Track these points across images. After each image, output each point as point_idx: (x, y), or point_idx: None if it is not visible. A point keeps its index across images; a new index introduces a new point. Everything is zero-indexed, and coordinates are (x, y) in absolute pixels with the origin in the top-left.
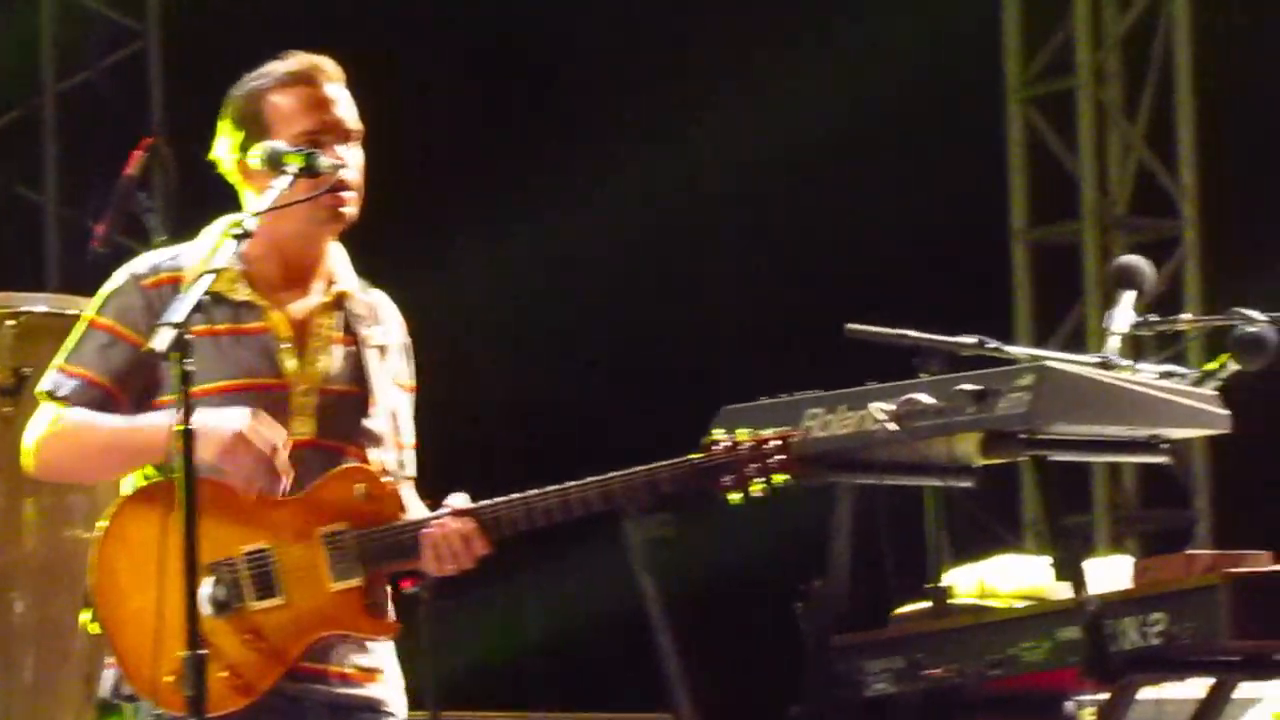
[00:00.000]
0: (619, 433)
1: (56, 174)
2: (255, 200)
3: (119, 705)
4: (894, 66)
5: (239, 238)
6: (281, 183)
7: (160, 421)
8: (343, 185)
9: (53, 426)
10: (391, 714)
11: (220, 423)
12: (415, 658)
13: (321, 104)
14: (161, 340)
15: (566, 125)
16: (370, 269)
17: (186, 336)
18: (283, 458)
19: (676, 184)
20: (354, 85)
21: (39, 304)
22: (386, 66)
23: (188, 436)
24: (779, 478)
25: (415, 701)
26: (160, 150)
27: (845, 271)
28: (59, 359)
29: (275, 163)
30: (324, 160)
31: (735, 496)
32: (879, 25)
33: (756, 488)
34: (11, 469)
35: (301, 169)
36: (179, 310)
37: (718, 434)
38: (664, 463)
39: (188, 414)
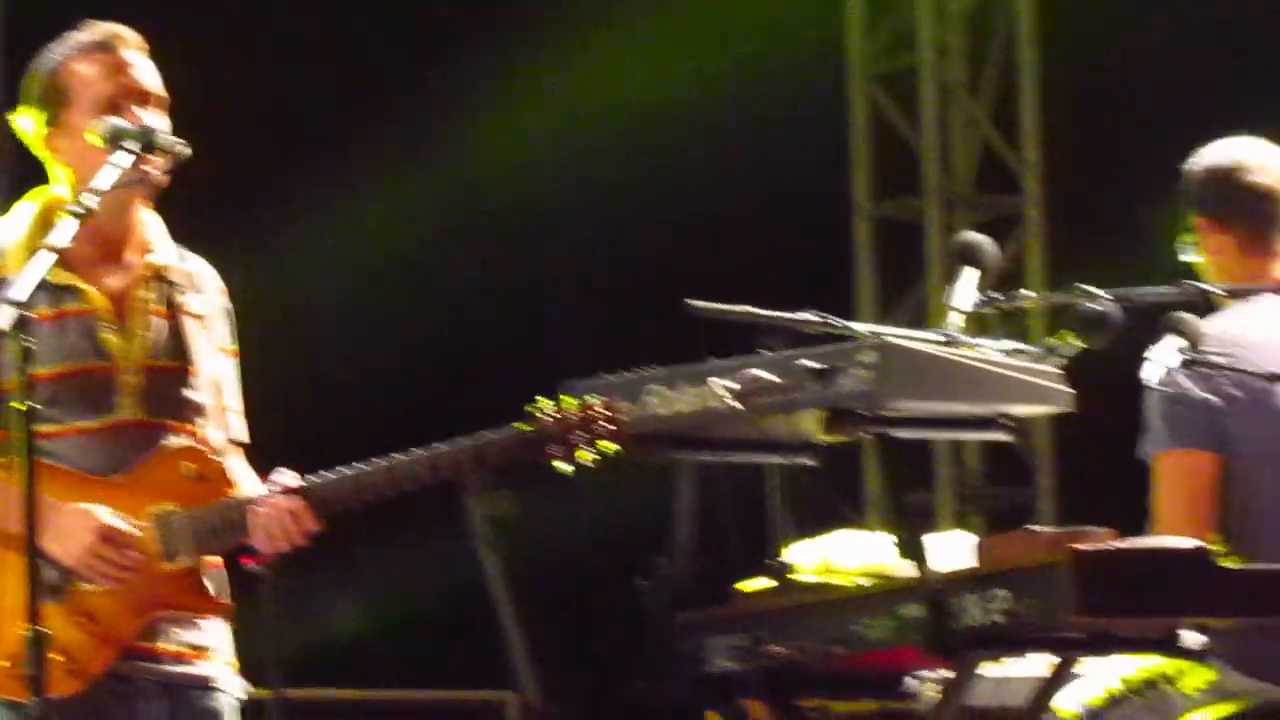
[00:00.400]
0: (460, 407)
1: None
2: (97, 177)
3: None
4: (737, 41)
5: (79, 216)
6: (122, 160)
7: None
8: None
9: None
10: (224, 691)
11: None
12: (258, 636)
13: (120, 69)
14: (3, 318)
15: (398, 93)
16: (206, 237)
17: (27, 315)
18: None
19: (516, 155)
20: (186, 54)
21: None
22: (218, 34)
23: (29, 416)
24: (607, 447)
25: (258, 679)
26: None
27: (688, 247)
28: None
29: (116, 140)
30: (163, 138)
31: (565, 467)
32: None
33: (585, 457)
34: None
35: (143, 147)
36: (20, 288)
37: (545, 404)
38: (490, 433)
39: (28, 393)
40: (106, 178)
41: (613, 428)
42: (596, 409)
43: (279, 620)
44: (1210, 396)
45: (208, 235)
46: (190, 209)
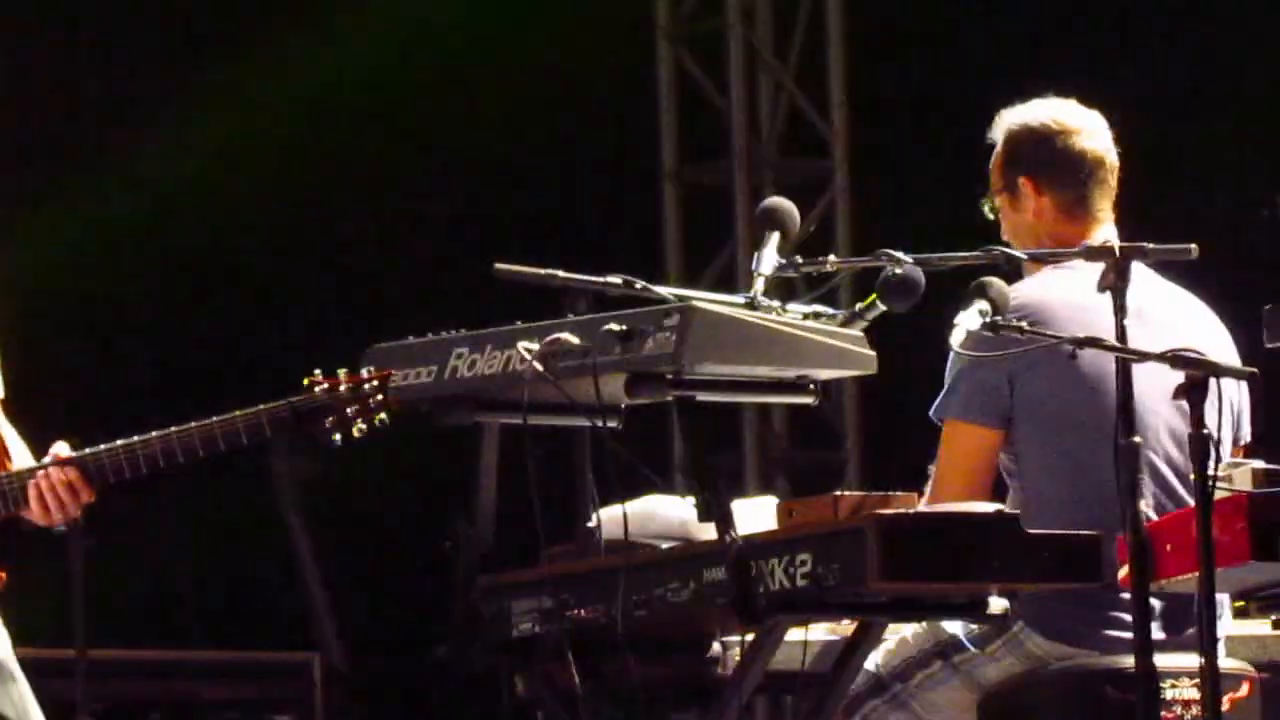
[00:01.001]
0: (264, 371)
1: None
2: None
3: None
4: (546, 3)
5: None
6: None
7: None
8: None
9: None
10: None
11: None
12: (65, 596)
13: None
14: None
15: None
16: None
17: None
18: None
19: (306, 101)
20: None
21: None
22: None
23: None
24: (380, 418)
25: (65, 640)
26: None
27: (496, 212)
28: None
29: None
30: None
31: (337, 437)
32: None
33: (357, 429)
34: None
35: None
36: None
37: (317, 376)
38: (264, 406)
39: None
40: None
41: (383, 398)
42: (368, 381)
43: (83, 579)
44: (1012, 363)
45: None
46: None
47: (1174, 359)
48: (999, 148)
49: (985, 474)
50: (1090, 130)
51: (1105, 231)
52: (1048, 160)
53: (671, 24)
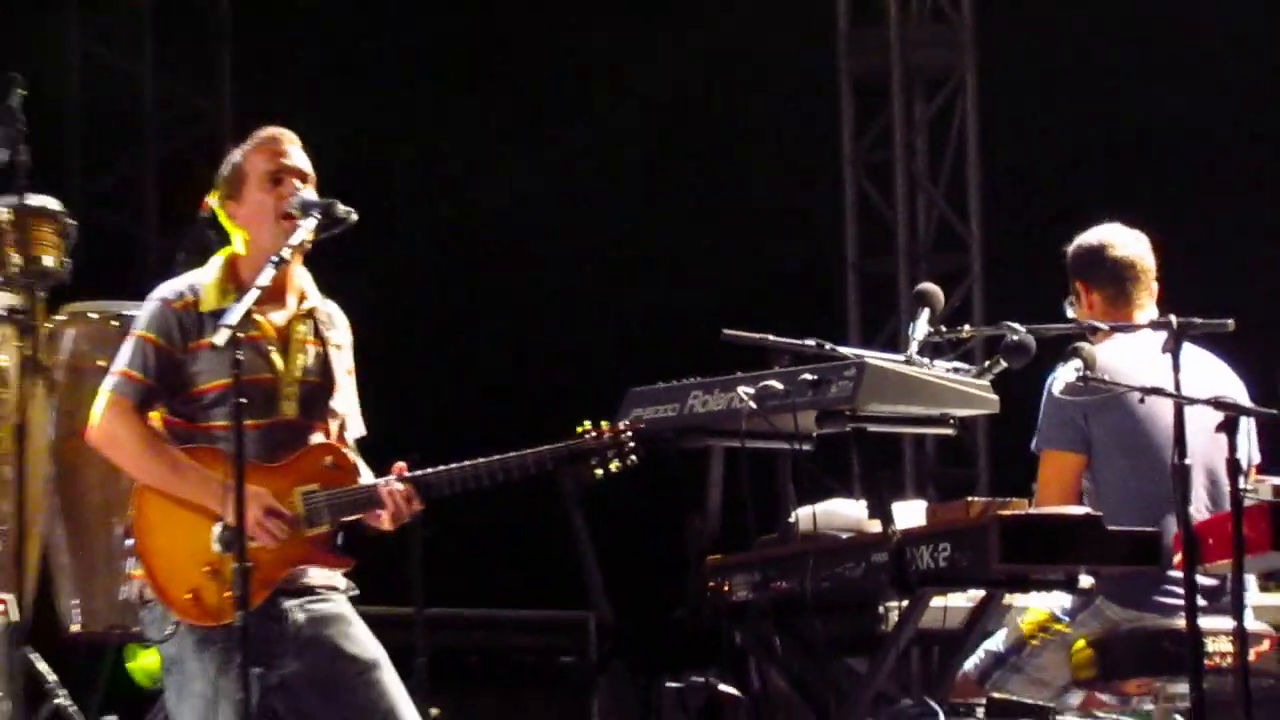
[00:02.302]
0: (553, 410)
1: (157, 216)
2: (272, 234)
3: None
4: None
5: (276, 264)
6: (309, 224)
7: (195, 478)
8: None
9: (123, 424)
10: (351, 621)
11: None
12: (407, 568)
13: (280, 154)
14: (221, 337)
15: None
16: None
17: (239, 335)
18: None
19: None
20: None
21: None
22: None
23: (239, 410)
24: (631, 459)
25: (404, 600)
26: None
27: (723, 289)
28: (115, 364)
29: (306, 209)
30: (340, 208)
31: (599, 473)
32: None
33: (614, 467)
34: None
35: (324, 214)
36: (234, 316)
37: (586, 425)
38: (548, 447)
39: (239, 393)
40: (296, 237)
41: (634, 445)
42: (624, 433)
43: (421, 558)
44: (1087, 405)
45: None
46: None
47: (1217, 403)
48: (1067, 262)
49: (1074, 487)
50: (1126, 244)
51: (1146, 314)
52: (1095, 268)
53: (854, 154)
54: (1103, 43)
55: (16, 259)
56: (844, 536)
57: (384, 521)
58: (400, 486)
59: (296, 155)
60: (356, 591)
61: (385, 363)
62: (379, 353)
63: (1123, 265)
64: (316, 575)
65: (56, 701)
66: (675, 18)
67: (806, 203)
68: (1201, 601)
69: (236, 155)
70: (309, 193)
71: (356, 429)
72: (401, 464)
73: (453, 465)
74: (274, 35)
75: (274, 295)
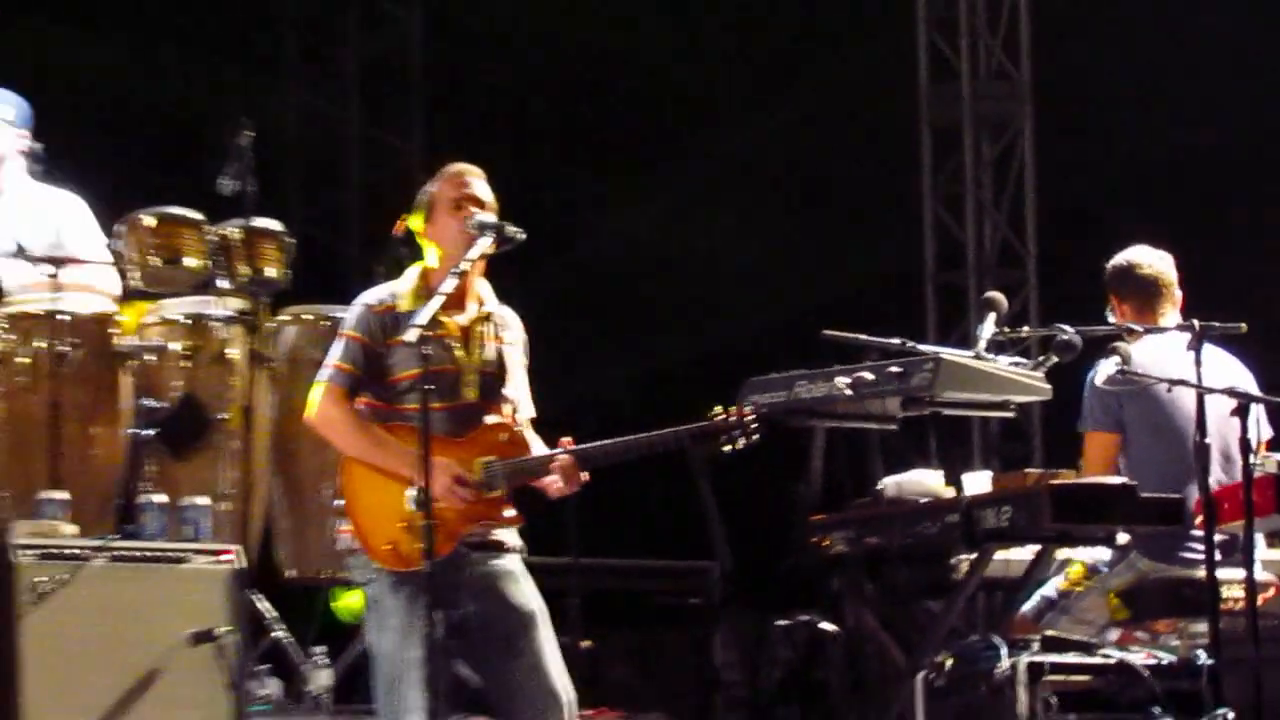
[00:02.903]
0: (683, 397)
1: (360, 236)
2: (457, 250)
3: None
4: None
5: (458, 275)
6: (485, 242)
7: (394, 451)
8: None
9: (334, 408)
10: (512, 553)
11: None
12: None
13: (464, 185)
14: (412, 335)
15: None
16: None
17: (427, 334)
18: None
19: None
20: None
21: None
22: None
23: (425, 395)
24: (753, 438)
25: (560, 551)
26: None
27: (824, 298)
28: (329, 359)
29: (481, 229)
30: (510, 229)
31: (726, 449)
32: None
33: (738, 445)
34: None
35: (498, 233)
36: (424, 317)
37: (718, 409)
38: (685, 426)
39: (425, 382)
40: (474, 252)
41: (755, 427)
42: (749, 416)
43: (578, 516)
44: (1122, 393)
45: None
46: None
47: (1231, 392)
48: (1105, 278)
49: (1112, 461)
50: (1152, 263)
51: (1170, 319)
52: (1125, 283)
53: (932, 187)
54: (1136, 91)
55: (245, 270)
56: (922, 500)
57: (550, 486)
58: (565, 458)
59: (478, 186)
60: (526, 552)
61: (550, 357)
62: (546, 349)
63: (1148, 280)
64: (495, 531)
65: (275, 635)
66: (775, 81)
67: (893, 227)
68: (1218, 555)
69: (430, 185)
70: (486, 216)
71: (527, 410)
72: (567, 439)
73: (607, 441)
74: (456, 91)
75: (457, 301)
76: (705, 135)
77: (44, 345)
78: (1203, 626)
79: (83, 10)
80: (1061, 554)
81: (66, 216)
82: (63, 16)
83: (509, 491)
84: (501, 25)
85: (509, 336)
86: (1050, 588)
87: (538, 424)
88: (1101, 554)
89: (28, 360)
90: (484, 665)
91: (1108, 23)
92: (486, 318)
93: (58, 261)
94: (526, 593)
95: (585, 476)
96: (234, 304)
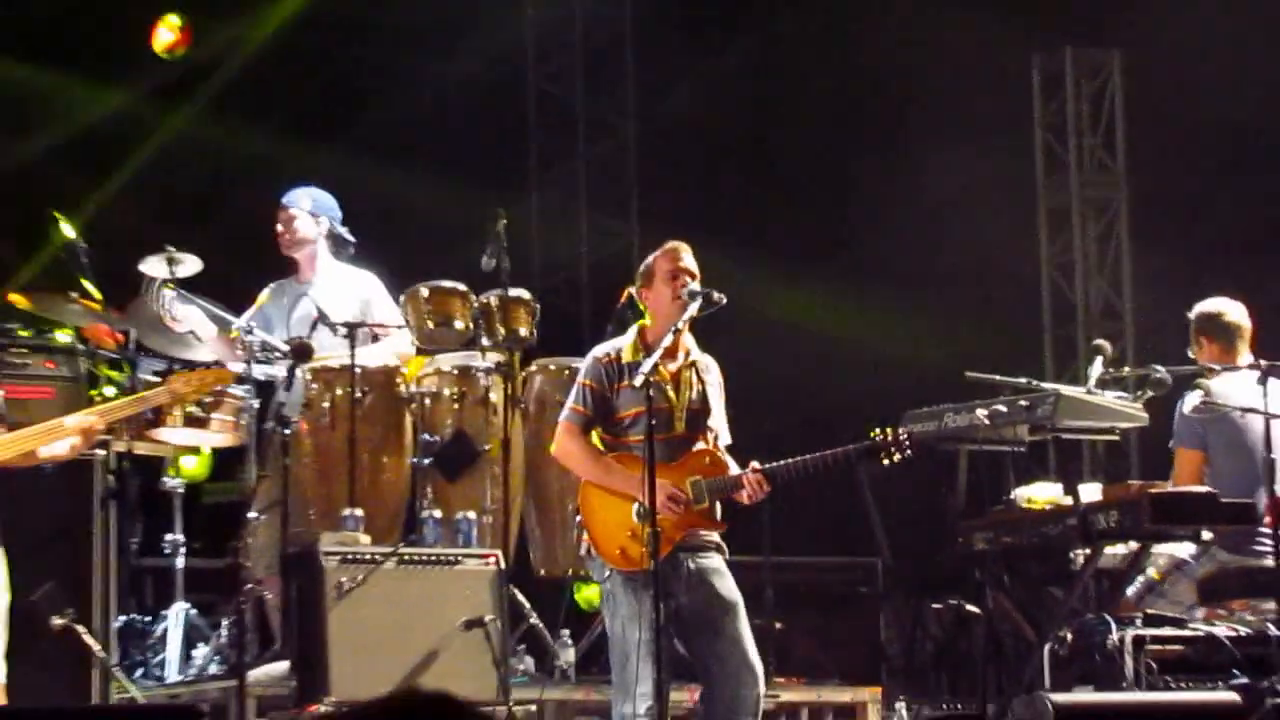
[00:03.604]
0: (844, 426)
1: (591, 302)
2: (670, 312)
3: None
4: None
5: (674, 332)
6: (694, 306)
7: (621, 475)
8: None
9: (573, 442)
10: (718, 554)
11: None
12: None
13: (677, 259)
14: (638, 381)
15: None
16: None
17: (649, 379)
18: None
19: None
20: None
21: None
22: None
23: (650, 428)
24: (908, 455)
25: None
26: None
27: (963, 347)
28: (568, 402)
29: (691, 297)
30: (716, 294)
31: (885, 463)
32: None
33: (894, 460)
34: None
35: (704, 299)
36: (646, 367)
37: (878, 430)
38: (853, 445)
39: (650, 418)
40: (686, 315)
41: (909, 446)
42: (904, 438)
43: (770, 521)
44: (1205, 419)
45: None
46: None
47: None
48: (1191, 323)
49: (1198, 474)
50: (1231, 312)
51: (1244, 359)
52: (1208, 329)
53: (1049, 256)
54: (1215, 177)
55: (501, 330)
56: (1047, 508)
57: (744, 498)
58: (755, 475)
59: (688, 259)
60: (727, 553)
61: (743, 398)
62: (738, 392)
63: (1230, 326)
64: (703, 535)
65: (530, 621)
66: (909, 187)
67: (1017, 291)
68: None
69: (650, 259)
70: (695, 285)
71: (725, 439)
72: (755, 463)
73: (789, 459)
74: (666, 187)
75: (670, 352)
76: (859, 229)
77: (342, 392)
78: (1271, 605)
79: (384, 140)
80: (1158, 549)
81: (370, 291)
82: (364, 150)
83: (712, 504)
84: (710, 134)
85: (710, 379)
86: (1149, 575)
87: (732, 450)
88: (1189, 548)
89: (329, 405)
90: (694, 644)
91: (1189, 123)
92: (692, 365)
93: (353, 327)
94: (729, 586)
95: (768, 488)
96: (493, 357)
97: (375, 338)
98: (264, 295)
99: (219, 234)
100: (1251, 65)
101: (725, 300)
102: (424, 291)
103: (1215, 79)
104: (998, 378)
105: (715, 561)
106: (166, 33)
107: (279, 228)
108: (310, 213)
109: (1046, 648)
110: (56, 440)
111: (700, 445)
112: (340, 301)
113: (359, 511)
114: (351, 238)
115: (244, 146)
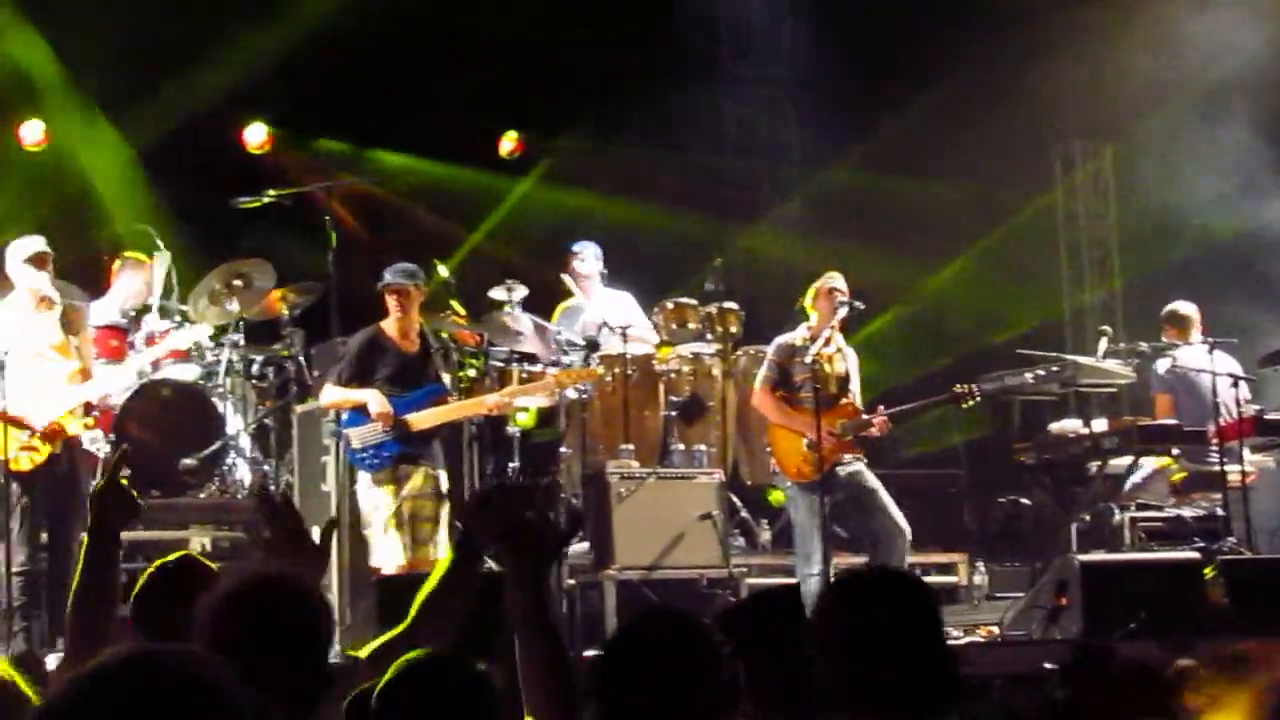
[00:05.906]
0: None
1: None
2: (827, 315)
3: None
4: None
5: (830, 328)
6: (843, 311)
7: (797, 420)
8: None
9: (766, 397)
10: (866, 474)
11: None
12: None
13: (834, 280)
14: (808, 358)
15: None
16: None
17: (815, 358)
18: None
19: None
20: None
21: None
22: None
23: (816, 391)
24: (977, 402)
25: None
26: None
27: (1022, 331)
28: (762, 371)
29: (841, 306)
30: (858, 304)
31: (964, 406)
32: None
33: (969, 404)
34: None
35: (851, 308)
36: (814, 351)
37: (958, 385)
38: (944, 394)
39: (815, 383)
40: (838, 317)
41: (977, 394)
42: (972, 389)
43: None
44: (1173, 376)
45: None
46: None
47: (1229, 374)
48: (1162, 316)
49: (1170, 412)
50: (1186, 309)
51: (1196, 335)
52: (1172, 320)
53: (1069, 287)
54: (1198, 207)
55: (719, 329)
56: (1071, 434)
57: (874, 432)
58: (881, 418)
59: (839, 282)
60: (866, 462)
61: (870, 376)
62: (868, 371)
63: (1185, 318)
64: (849, 458)
65: (741, 514)
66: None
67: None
68: (1225, 459)
69: (818, 282)
70: (845, 298)
71: (857, 397)
72: (882, 407)
73: (903, 405)
74: None
75: (826, 341)
76: None
77: (618, 370)
78: (1218, 495)
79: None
80: (1143, 461)
81: (631, 306)
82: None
83: (855, 438)
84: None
85: (850, 360)
86: (1139, 475)
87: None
88: (1162, 460)
89: (610, 379)
90: (854, 521)
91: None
92: (839, 350)
93: (624, 329)
94: (870, 477)
95: (889, 426)
96: (714, 347)
97: (625, 337)
98: (558, 310)
99: (542, 268)
100: None
101: (862, 306)
102: (669, 305)
103: None
104: (1038, 353)
105: (858, 466)
106: (507, 143)
107: (573, 264)
108: (593, 256)
109: (1073, 525)
110: (482, 408)
111: (844, 400)
112: (613, 313)
113: (630, 446)
114: (605, 270)
115: (564, 204)
